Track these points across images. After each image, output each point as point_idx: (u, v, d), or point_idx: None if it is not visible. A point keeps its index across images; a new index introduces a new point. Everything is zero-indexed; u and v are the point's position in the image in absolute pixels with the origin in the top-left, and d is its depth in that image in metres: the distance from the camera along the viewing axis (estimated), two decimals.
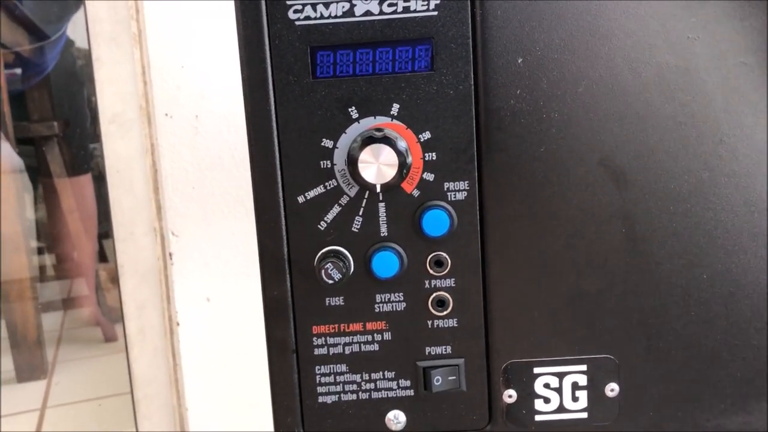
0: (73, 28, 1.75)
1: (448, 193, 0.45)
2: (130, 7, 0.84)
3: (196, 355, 0.90)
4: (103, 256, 1.93)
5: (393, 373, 0.47)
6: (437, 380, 0.46)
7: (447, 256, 0.45)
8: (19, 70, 1.74)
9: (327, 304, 0.46)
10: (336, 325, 0.46)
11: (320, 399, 0.47)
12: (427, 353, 0.47)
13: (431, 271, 0.46)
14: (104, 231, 1.88)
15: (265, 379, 0.48)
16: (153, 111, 0.85)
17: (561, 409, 0.48)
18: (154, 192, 0.90)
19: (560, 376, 0.47)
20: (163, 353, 0.95)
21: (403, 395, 0.47)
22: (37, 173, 1.83)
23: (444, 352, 0.47)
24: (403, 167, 0.43)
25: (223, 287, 0.88)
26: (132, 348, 0.94)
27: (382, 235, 0.45)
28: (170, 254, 0.88)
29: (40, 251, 1.99)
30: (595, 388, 0.47)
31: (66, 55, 1.80)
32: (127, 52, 0.85)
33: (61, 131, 1.77)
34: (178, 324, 0.90)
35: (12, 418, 1.53)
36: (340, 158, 0.44)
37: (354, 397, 0.47)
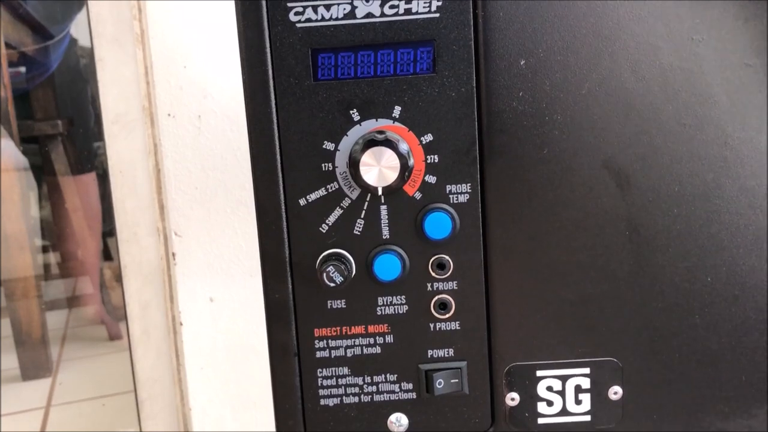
0: (76, 27, 1.75)
1: (451, 196, 0.44)
2: (132, 7, 0.84)
3: (200, 355, 0.90)
4: (108, 254, 1.93)
5: (395, 376, 0.47)
6: (439, 383, 0.46)
7: (449, 259, 0.45)
8: (23, 69, 1.74)
9: (329, 306, 0.46)
10: (338, 328, 0.46)
11: (322, 402, 0.47)
12: (429, 356, 0.46)
13: (433, 274, 0.45)
14: (108, 229, 1.88)
15: (268, 379, 0.48)
16: (156, 111, 0.85)
17: (564, 412, 0.47)
18: (157, 192, 0.90)
19: (563, 379, 0.47)
20: (167, 353, 0.95)
21: (406, 398, 0.47)
22: (42, 172, 1.84)
23: (446, 355, 0.46)
24: (405, 170, 0.42)
25: (226, 287, 0.88)
26: (136, 348, 0.94)
27: (383, 237, 0.45)
28: (173, 254, 0.88)
29: (44, 250, 2.00)
30: (598, 391, 0.47)
31: (70, 53, 1.80)
32: (130, 52, 0.85)
33: (66, 130, 1.77)
34: (181, 324, 0.90)
35: (17, 417, 1.54)
36: (341, 161, 0.44)
37: (356, 400, 0.47)
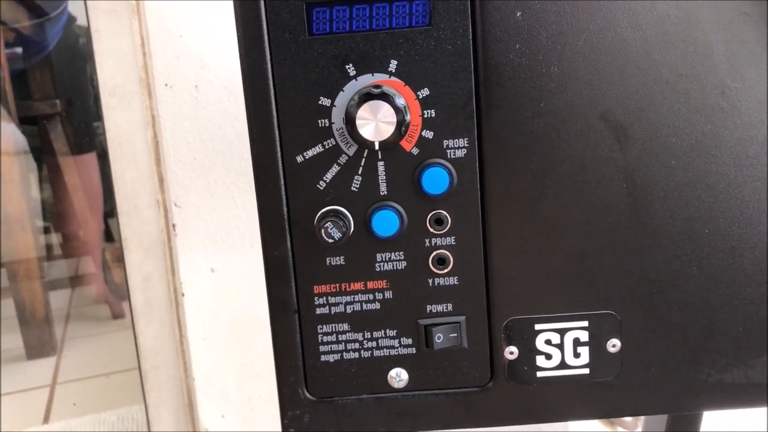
0: (74, 5, 1.74)
1: (448, 151, 0.44)
2: None
3: (202, 325, 0.91)
4: (109, 235, 1.93)
5: (395, 331, 0.47)
6: (439, 338, 0.46)
7: (447, 214, 0.45)
8: (20, 49, 1.73)
9: (328, 263, 0.46)
10: (337, 285, 0.46)
11: (322, 358, 0.47)
12: (428, 311, 0.47)
13: (431, 230, 0.45)
14: (110, 209, 1.88)
15: (270, 349, 0.48)
16: (153, 82, 0.85)
17: (563, 365, 0.48)
18: (156, 164, 0.90)
19: (561, 332, 0.47)
20: (170, 325, 0.96)
21: (405, 353, 0.47)
22: (41, 152, 1.84)
23: (445, 310, 0.47)
24: (402, 125, 0.42)
25: (227, 257, 0.88)
26: (138, 320, 0.95)
27: (381, 194, 0.45)
28: (174, 226, 0.88)
29: (46, 230, 2.00)
30: (596, 344, 0.47)
31: (68, 32, 1.79)
32: (126, 23, 0.85)
33: (64, 110, 1.77)
34: (183, 295, 0.90)
35: (23, 395, 1.55)
36: (338, 117, 0.44)
37: (356, 355, 0.47)
